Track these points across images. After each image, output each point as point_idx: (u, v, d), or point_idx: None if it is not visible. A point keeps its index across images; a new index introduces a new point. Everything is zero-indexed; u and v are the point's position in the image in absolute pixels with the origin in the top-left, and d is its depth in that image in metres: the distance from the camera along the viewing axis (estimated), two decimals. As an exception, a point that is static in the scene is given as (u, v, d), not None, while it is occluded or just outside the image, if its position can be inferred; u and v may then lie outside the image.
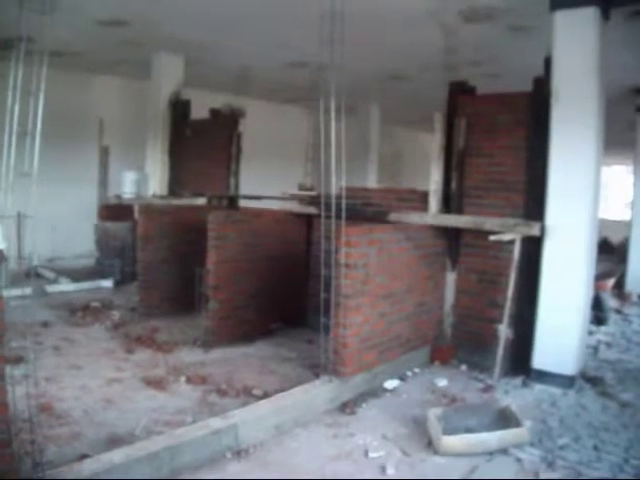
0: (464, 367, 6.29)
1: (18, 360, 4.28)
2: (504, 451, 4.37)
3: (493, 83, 7.82)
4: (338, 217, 5.12)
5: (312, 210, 7.21)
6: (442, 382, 5.83)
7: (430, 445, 4.46)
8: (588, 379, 5.92)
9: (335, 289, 5.18)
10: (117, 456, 3.73)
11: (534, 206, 5.90)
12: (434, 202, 6.46)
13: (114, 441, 4.26)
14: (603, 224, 6.41)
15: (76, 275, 10.17)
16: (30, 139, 2.98)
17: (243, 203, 9.29)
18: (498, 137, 6.23)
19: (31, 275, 6.27)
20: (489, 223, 5.97)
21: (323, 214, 5.26)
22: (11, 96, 2.93)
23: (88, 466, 3.59)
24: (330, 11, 4.74)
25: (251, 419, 4.46)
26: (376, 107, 16.16)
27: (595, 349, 6.98)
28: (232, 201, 9.33)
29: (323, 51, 4.76)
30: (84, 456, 3.88)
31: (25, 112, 3.10)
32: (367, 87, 12.62)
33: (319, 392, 5.08)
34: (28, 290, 4.24)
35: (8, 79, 3.02)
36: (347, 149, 5.20)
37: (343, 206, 5.05)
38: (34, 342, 6.01)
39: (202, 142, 10.14)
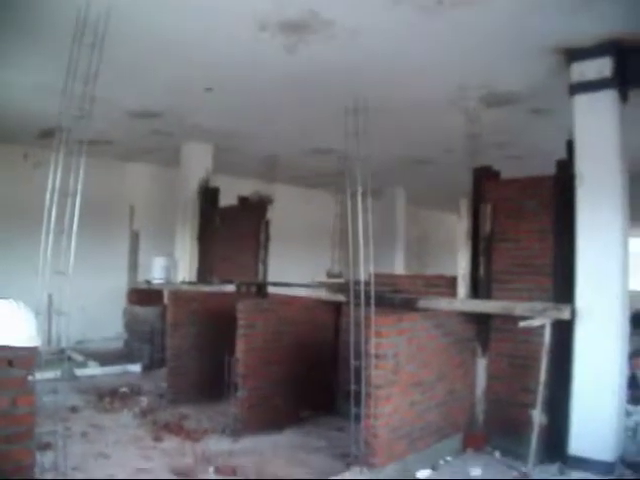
0: (498, 454, 6.10)
1: (46, 446, 4.26)
2: None
3: (517, 165, 7.94)
4: (367, 304, 5.13)
5: (340, 297, 7.24)
6: (475, 471, 5.65)
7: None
8: (629, 465, 5.67)
9: (365, 379, 5.14)
10: None
11: (563, 288, 5.85)
12: (462, 288, 6.45)
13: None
14: (634, 297, 6.31)
15: (105, 358, 10.20)
16: (66, 238, 3.08)
17: (272, 290, 9.31)
18: (524, 221, 6.26)
19: (65, 360, 6.28)
20: (519, 308, 5.91)
21: (352, 302, 5.29)
22: (49, 198, 3.04)
23: None
24: (354, 105, 4.93)
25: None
26: (401, 190, 16.38)
27: (634, 431, 6.74)
28: (261, 288, 9.37)
29: (348, 142, 4.92)
30: None
31: (62, 204, 3.22)
32: (392, 171, 12.80)
33: (350, 484, 4.96)
34: (58, 373, 4.27)
35: (47, 167, 3.16)
36: (374, 232, 5.26)
37: (372, 294, 5.07)
38: (62, 427, 6.01)
39: (231, 229, 10.31)
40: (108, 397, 7.81)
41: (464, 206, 6.53)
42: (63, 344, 9.00)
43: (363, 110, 4.92)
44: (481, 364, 6.50)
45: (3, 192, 10.68)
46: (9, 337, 2.86)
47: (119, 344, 11.29)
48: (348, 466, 5.25)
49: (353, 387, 5.14)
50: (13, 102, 8.28)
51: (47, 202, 3.03)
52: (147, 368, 9.81)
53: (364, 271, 5.39)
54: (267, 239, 9.62)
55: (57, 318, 3.28)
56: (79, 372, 9.21)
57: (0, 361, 2.82)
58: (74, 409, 7.17)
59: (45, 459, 3.49)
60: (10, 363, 2.86)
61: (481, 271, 6.43)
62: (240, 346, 6.47)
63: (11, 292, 3.17)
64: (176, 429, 6.60)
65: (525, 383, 6.07)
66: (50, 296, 3.40)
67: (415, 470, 5.54)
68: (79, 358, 10.07)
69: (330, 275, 9.56)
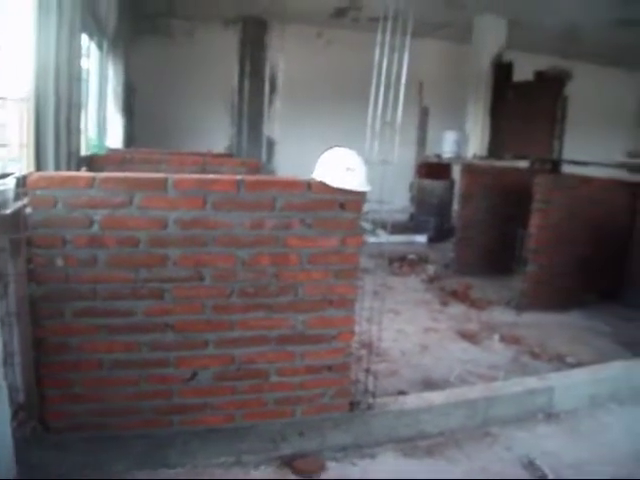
0: None
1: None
2: None
3: None
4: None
5: (644, 178, 6.73)
6: None
7: None
8: None
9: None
10: (437, 397, 3.97)
11: None
12: None
13: (429, 384, 4.52)
14: None
15: (391, 228, 10.69)
16: (394, 91, 3.34)
17: (566, 169, 8.93)
18: None
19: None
20: None
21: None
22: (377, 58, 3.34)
23: (411, 401, 3.90)
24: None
25: (566, 385, 4.37)
26: None
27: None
28: (555, 165, 9.05)
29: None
30: (401, 392, 4.20)
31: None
32: None
33: (640, 371, 4.78)
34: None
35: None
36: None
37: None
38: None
39: (524, 105, 10.02)
40: (397, 262, 8.28)
41: None
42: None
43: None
44: None
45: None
46: (343, 181, 3.14)
47: (404, 216, 11.75)
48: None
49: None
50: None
51: (376, 64, 3.30)
52: (432, 239, 10.16)
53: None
54: (563, 116, 9.17)
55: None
56: (368, 239, 9.80)
57: (334, 203, 3.15)
58: (365, 270, 7.71)
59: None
60: (342, 206, 3.18)
61: None
62: (534, 221, 6.39)
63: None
64: (462, 297, 6.88)
65: None
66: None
67: None
68: (368, 226, 10.66)
69: (632, 155, 8.85)
